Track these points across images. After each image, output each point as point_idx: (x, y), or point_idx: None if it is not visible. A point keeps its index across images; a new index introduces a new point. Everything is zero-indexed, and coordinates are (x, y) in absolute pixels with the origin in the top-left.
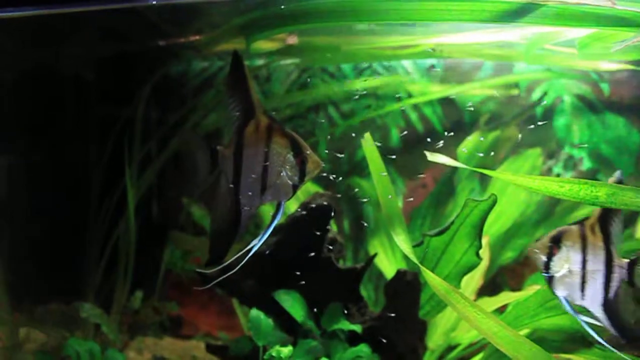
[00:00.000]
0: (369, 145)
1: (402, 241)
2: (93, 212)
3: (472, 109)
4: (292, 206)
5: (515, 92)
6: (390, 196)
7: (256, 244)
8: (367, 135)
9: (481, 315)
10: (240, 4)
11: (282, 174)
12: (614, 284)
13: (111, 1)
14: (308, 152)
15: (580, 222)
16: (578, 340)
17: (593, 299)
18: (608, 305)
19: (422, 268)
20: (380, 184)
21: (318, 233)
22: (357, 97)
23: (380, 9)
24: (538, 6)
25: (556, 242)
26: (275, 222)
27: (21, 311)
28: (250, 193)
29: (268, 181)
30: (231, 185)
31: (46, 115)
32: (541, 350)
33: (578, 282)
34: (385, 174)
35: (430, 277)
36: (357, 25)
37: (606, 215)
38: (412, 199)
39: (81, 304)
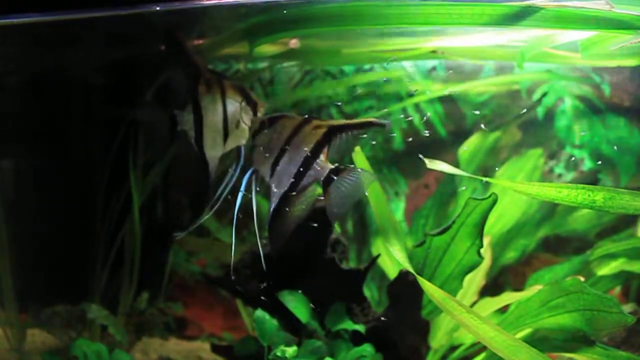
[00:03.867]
0: (359, 158)
1: (397, 251)
2: (99, 214)
3: (477, 112)
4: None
5: (516, 93)
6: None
7: (224, 191)
8: (357, 148)
9: (477, 321)
10: (243, 9)
11: (239, 121)
12: (305, 179)
13: (115, 8)
14: (254, 96)
15: (309, 118)
16: (580, 339)
17: (279, 184)
18: (287, 196)
19: (418, 277)
20: (373, 196)
21: (322, 234)
22: (357, 92)
23: (382, 14)
24: (537, 9)
25: (271, 121)
26: (240, 166)
27: (28, 313)
28: (213, 144)
29: (229, 130)
30: (194, 142)
31: (51, 119)
32: (539, 354)
33: (271, 162)
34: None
35: (426, 285)
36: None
37: (335, 129)
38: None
39: (88, 305)
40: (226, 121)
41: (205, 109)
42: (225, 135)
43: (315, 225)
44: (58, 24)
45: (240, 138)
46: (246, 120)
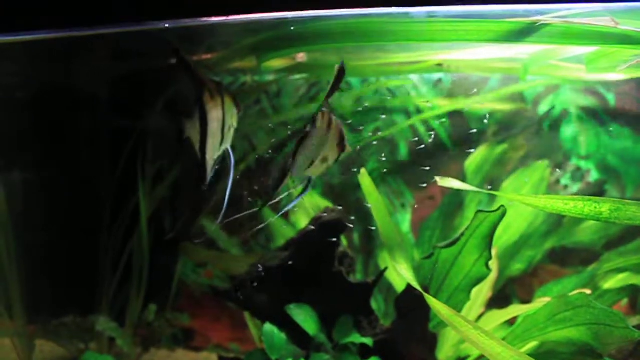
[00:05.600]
0: (365, 180)
1: (404, 269)
2: (107, 226)
3: (486, 120)
4: (302, 221)
5: (522, 105)
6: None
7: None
8: (363, 170)
9: (484, 337)
10: (251, 25)
11: (231, 125)
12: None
13: (125, 25)
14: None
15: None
16: (587, 352)
17: None
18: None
19: (425, 294)
20: (379, 216)
21: (329, 247)
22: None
23: (388, 31)
24: (543, 25)
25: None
26: (232, 166)
27: (37, 324)
28: (212, 149)
29: (224, 134)
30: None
31: (60, 132)
32: None
33: None
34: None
35: (433, 302)
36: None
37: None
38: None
39: (97, 318)
40: (224, 126)
41: (210, 116)
42: (222, 140)
43: (323, 238)
44: (67, 40)
45: (229, 141)
46: (234, 123)
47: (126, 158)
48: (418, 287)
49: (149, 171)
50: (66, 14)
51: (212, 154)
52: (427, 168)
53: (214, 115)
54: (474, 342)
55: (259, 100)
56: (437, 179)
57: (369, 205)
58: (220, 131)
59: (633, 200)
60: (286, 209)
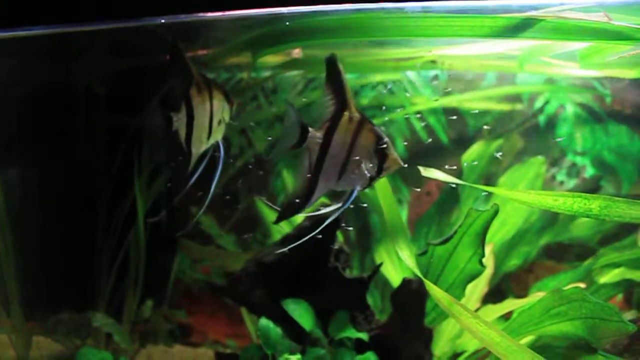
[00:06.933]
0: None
1: (407, 257)
2: (104, 222)
3: (487, 127)
4: (298, 217)
5: (518, 103)
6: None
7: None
8: None
9: (483, 326)
10: (247, 20)
11: (221, 119)
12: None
13: (122, 21)
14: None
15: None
16: (582, 347)
17: None
18: None
19: (426, 281)
20: (386, 202)
21: (325, 243)
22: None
23: (383, 26)
24: (537, 21)
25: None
26: (222, 160)
27: (34, 320)
28: (199, 142)
29: (213, 128)
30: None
31: (57, 128)
32: None
33: None
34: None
35: (434, 290)
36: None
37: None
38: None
39: (94, 314)
40: (212, 120)
41: (196, 110)
42: (209, 133)
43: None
44: (64, 36)
45: (219, 134)
46: (226, 117)
47: (122, 154)
48: (420, 275)
49: (145, 167)
50: (62, 10)
51: (198, 147)
52: (406, 165)
53: (201, 109)
54: (473, 332)
55: (256, 97)
56: (421, 168)
57: (364, 205)
58: (207, 125)
59: (623, 198)
60: (327, 222)
